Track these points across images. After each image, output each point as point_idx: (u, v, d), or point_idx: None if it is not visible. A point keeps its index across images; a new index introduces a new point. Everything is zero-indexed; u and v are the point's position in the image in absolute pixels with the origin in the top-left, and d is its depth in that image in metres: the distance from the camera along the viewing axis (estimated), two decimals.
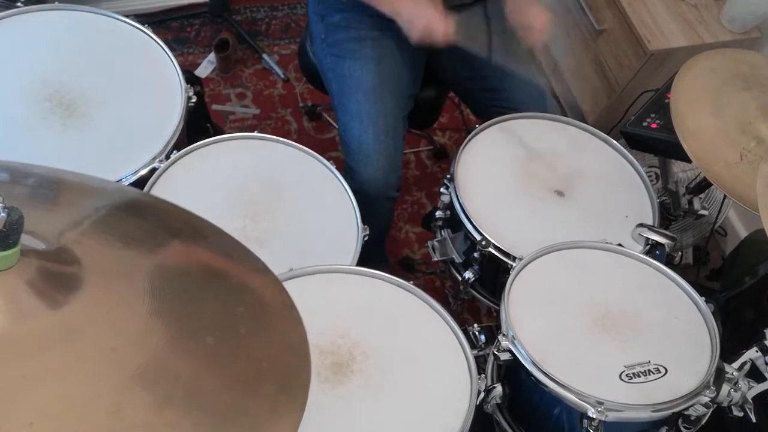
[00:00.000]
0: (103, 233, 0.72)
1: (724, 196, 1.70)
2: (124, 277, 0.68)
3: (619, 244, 1.27)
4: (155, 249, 0.75)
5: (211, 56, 2.27)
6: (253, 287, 0.77)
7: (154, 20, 2.31)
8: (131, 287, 0.67)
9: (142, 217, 0.81)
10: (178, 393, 0.60)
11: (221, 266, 0.78)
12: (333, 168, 1.35)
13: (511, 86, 1.57)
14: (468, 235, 1.32)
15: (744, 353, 1.17)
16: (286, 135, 1.52)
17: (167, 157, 1.28)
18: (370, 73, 1.48)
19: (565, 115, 1.53)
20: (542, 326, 1.15)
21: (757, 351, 1.17)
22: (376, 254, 1.71)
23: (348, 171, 1.48)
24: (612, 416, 1.04)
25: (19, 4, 1.52)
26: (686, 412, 1.10)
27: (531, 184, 1.39)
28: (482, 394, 1.10)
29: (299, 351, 0.69)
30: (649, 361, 1.11)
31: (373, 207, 1.48)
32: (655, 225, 1.35)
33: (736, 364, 1.15)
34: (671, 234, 1.32)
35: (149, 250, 0.74)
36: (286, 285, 1.13)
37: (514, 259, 1.25)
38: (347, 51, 1.50)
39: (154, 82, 1.37)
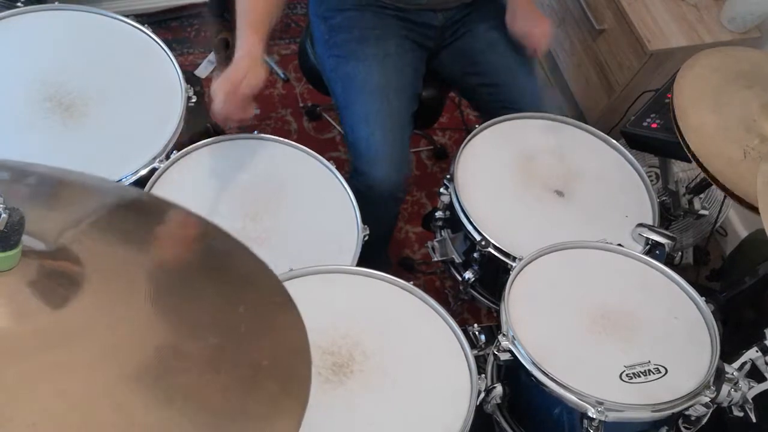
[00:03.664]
0: (104, 232, 0.72)
1: (725, 196, 1.70)
2: (124, 277, 0.68)
3: (619, 244, 1.27)
4: (156, 248, 0.75)
5: (211, 56, 2.26)
6: (254, 286, 0.77)
7: (154, 20, 2.31)
8: (132, 286, 0.67)
9: (142, 216, 0.81)
10: (179, 392, 0.60)
11: (222, 265, 0.78)
12: (333, 168, 1.35)
13: (513, 83, 1.57)
14: (468, 235, 1.32)
15: (744, 353, 1.17)
16: (286, 135, 1.52)
17: (167, 157, 1.28)
18: (375, 73, 1.47)
19: (565, 115, 1.53)
20: (542, 326, 1.15)
21: (757, 351, 1.17)
22: (378, 256, 1.70)
23: (355, 173, 1.46)
24: (612, 416, 1.04)
25: (19, 4, 1.52)
26: (686, 412, 1.10)
27: (531, 184, 1.39)
28: (482, 394, 1.10)
29: (300, 350, 0.69)
30: (649, 361, 1.11)
31: (380, 208, 1.48)
32: (655, 225, 1.35)
33: (736, 364, 1.15)
34: (671, 234, 1.31)
35: (149, 250, 0.74)
36: (286, 285, 1.13)
37: (514, 259, 1.25)
38: (350, 51, 1.50)
39: (154, 82, 1.37)
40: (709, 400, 1.09)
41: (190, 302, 0.69)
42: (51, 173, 0.81)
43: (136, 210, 0.82)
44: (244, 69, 1.22)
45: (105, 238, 0.71)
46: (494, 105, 1.55)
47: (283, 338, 0.71)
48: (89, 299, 0.63)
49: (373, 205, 1.41)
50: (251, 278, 0.77)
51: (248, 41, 1.25)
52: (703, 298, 1.20)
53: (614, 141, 1.48)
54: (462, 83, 1.68)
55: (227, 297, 0.73)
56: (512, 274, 1.20)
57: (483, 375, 1.12)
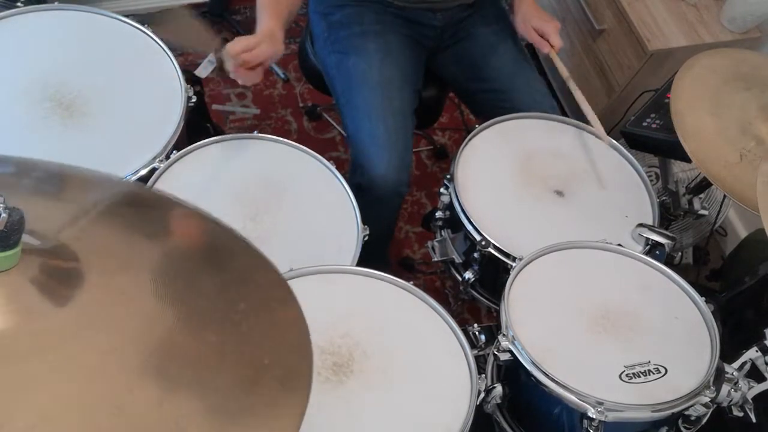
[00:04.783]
0: (107, 225, 0.72)
1: (724, 196, 1.70)
2: (126, 272, 0.68)
3: (619, 244, 1.27)
4: (157, 243, 0.75)
5: (211, 56, 2.26)
6: (256, 282, 0.77)
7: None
8: (134, 282, 0.67)
9: (145, 210, 0.81)
10: (179, 393, 0.60)
11: (224, 260, 0.78)
12: (333, 168, 1.35)
13: (512, 87, 1.57)
14: (468, 235, 1.32)
15: (744, 353, 1.17)
16: (286, 135, 1.52)
17: (167, 157, 1.28)
18: (376, 68, 1.47)
19: (565, 115, 1.53)
20: (542, 326, 1.15)
21: (757, 351, 1.17)
22: (378, 256, 1.70)
23: (357, 169, 1.45)
24: (612, 416, 1.04)
25: (19, 4, 1.52)
26: (686, 412, 1.10)
27: (531, 184, 1.39)
28: (482, 394, 1.10)
29: (301, 348, 0.69)
30: (649, 361, 1.11)
31: (382, 205, 1.47)
32: (655, 225, 1.35)
33: (736, 364, 1.15)
34: (671, 234, 1.31)
35: (152, 245, 0.74)
36: None
37: (513, 259, 1.25)
38: (351, 47, 1.50)
39: (154, 82, 1.37)
40: (709, 400, 1.09)
41: (191, 299, 0.69)
42: (56, 168, 0.81)
43: (140, 204, 0.82)
44: (261, 37, 1.27)
45: (108, 232, 0.71)
46: (494, 111, 1.55)
47: (285, 335, 0.71)
48: (91, 296, 0.63)
49: (375, 203, 1.40)
50: (253, 274, 0.77)
51: (269, 24, 1.29)
52: (703, 298, 1.20)
53: (614, 141, 1.48)
54: (461, 87, 1.68)
55: (229, 293, 0.73)
56: (512, 274, 1.19)
57: (483, 375, 1.12)
